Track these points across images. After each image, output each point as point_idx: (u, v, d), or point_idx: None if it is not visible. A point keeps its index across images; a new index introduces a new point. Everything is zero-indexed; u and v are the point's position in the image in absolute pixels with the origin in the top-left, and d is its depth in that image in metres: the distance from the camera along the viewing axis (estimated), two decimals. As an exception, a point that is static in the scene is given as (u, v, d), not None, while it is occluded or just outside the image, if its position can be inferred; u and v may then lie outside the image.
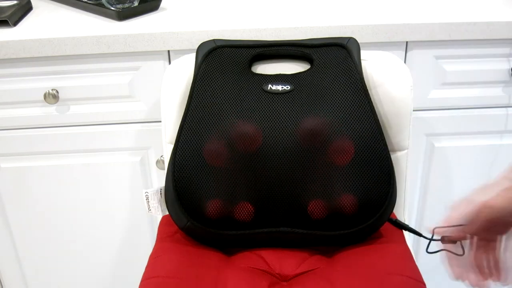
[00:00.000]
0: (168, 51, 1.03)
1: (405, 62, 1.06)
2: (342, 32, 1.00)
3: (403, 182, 0.92)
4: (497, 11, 1.05)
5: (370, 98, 0.83)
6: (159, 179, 1.17)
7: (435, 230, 0.69)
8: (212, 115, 0.82)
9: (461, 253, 0.68)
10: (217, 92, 0.84)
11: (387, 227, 0.86)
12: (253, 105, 0.82)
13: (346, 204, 0.78)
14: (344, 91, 0.83)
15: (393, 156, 0.92)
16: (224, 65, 0.87)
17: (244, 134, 0.80)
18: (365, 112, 0.81)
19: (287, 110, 0.81)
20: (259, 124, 0.80)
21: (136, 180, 1.15)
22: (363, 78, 0.85)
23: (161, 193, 0.84)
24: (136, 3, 1.08)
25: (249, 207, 0.78)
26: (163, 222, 0.90)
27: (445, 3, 1.10)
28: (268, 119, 0.81)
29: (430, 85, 1.08)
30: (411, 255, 0.82)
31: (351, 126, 0.81)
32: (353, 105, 0.82)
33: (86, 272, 1.26)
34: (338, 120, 0.80)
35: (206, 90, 0.84)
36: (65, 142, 1.10)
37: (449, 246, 0.69)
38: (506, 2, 1.10)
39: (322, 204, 0.78)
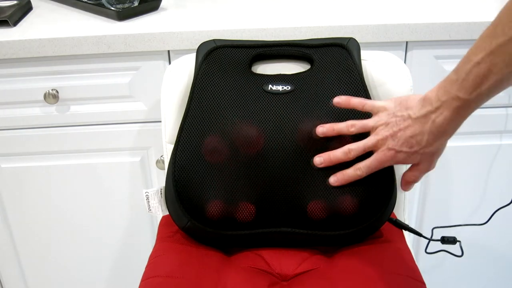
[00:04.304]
0: (168, 51, 1.03)
1: (405, 62, 1.06)
2: (342, 32, 1.00)
3: (403, 182, 0.92)
4: (497, 11, 1.05)
5: (370, 98, 0.83)
6: (159, 179, 1.17)
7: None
8: (213, 115, 0.82)
9: (460, 254, 0.68)
10: (218, 92, 0.84)
11: (387, 227, 0.86)
12: (254, 105, 0.82)
13: (346, 205, 0.78)
14: (345, 91, 0.83)
15: (393, 156, 0.91)
16: (224, 65, 0.87)
17: (246, 135, 0.80)
18: (365, 112, 0.81)
19: (287, 110, 0.81)
20: (259, 124, 0.80)
21: (136, 180, 1.15)
22: (363, 78, 0.85)
23: (161, 193, 0.84)
24: (136, 3, 1.08)
25: (250, 207, 0.78)
26: (163, 222, 0.90)
27: (445, 3, 1.11)
28: (269, 119, 0.81)
29: (430, 85, 1.08)
30: (411, 255, 0.82)
31: None
32: None
33: (86, 272, 1.26)
34: (338, 120, 0.80)
35: (207, 90, 0.84)
36: (65, 142, 1.10)
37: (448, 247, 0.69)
38: (506, 2, 1.10)
39: (323, 205, 0.78)
